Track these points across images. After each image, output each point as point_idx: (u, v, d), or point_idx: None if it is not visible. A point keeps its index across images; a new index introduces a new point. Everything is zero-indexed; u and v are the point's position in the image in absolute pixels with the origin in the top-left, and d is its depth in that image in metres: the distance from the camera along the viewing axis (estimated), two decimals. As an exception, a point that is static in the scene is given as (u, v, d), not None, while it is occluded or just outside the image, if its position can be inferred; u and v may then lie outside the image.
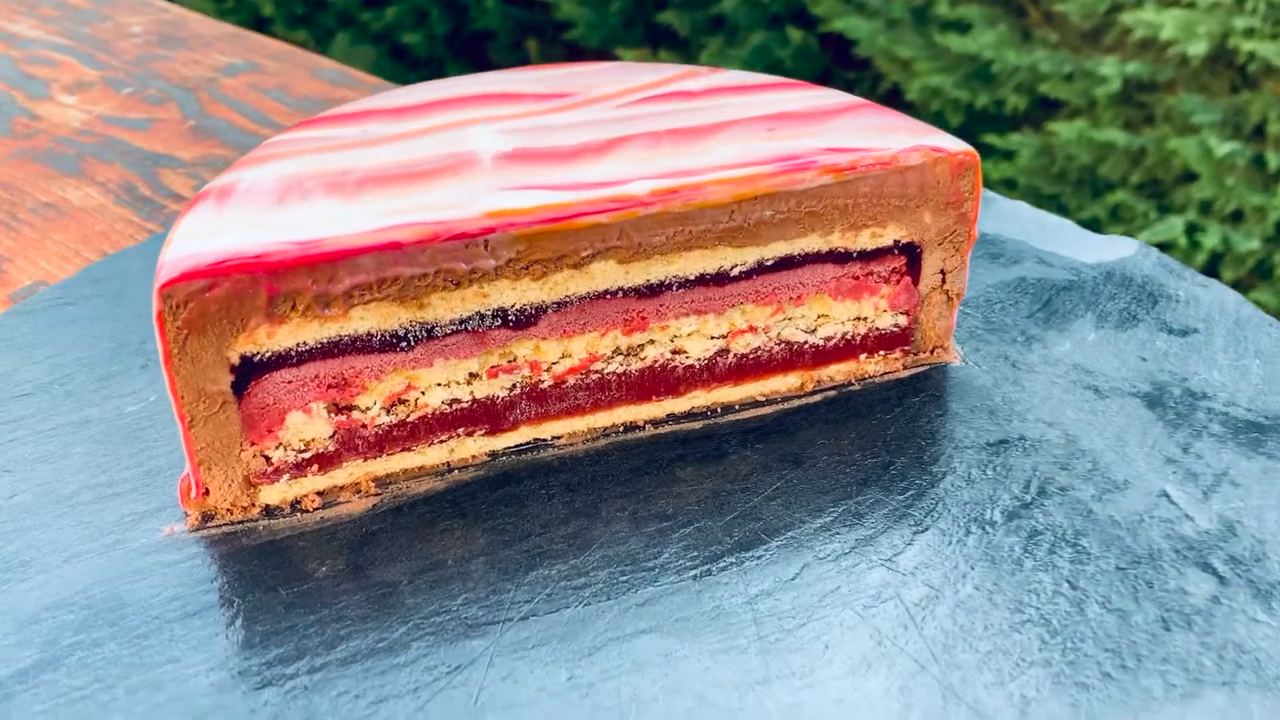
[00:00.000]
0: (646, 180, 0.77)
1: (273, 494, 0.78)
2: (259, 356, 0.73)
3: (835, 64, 2.90)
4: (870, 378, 0.90)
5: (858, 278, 0.86)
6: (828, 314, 0.87)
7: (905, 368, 0.91)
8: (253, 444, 0.75)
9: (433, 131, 0.83)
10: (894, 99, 2.70)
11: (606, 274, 0.78)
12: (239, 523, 0.77)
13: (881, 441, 0.84)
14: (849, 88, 2.82)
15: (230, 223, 0.73)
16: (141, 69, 1.55)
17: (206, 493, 0.76)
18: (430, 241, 0.72)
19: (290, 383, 0.74)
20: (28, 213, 1.20)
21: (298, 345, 0.73)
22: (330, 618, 0.70)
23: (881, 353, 0.90)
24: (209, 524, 0.77)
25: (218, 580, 0.73)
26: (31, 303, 1.00)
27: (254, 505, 0.77)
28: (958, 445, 0.83)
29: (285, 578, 0.73)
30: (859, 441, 0.84)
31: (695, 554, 0.74)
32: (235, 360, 0.72)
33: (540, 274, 0.76)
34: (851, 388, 0.89)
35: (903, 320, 0.89)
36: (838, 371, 0.89)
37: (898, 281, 0.87)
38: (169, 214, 1.19)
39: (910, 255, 0.86)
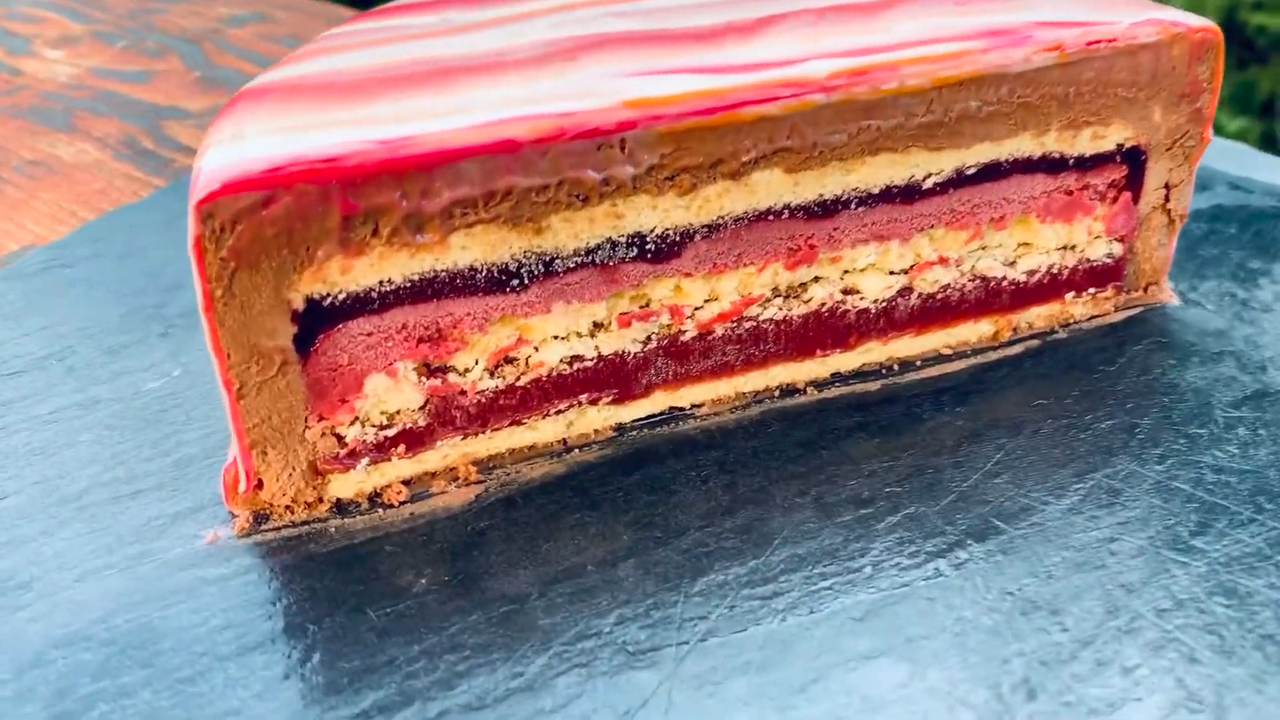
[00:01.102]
0: (822, 60, 0.59)
1: (346, 484, 0.59)
2: (330, 299, 0.54)
3: None
4: (1076, 323, 0.72)
5: (1071, 192, 0.67)
6: (1031, 241, 0.68)
7: (1115, 309, 0.73)
8: (321, 418, 0.57)
9: (531, 17, 0.65)
10: None
11: (770, 187, 0.60)
12: (303, 523, 0.58)
13: (1114, 399, 0.65)
14: None
15: (288, 121, 0.54)
16: (135, 22, 1.37)
17: (260, 485, 0.58)
18: (554, 140, 0.54)
19: (371, 335, 0.56)
20: (11, 172, 1.01)
21: (381, 284, 0.55)
22: (441, 647, 0.51)
23: (1091, 291, 0.72)
24: (263, 526, 0.58)
25: (282, 600, 0.54)
26: (19, 267, 0.81)
27: (322, 500, 0.59)
28: (1210, 401, 0.65)
29: (373, 595, 0.54)
30: (1084, 400, 0.65)
31: (914, 548, 0.56)
32: (299, 304, 0.54)
33: (688, 186, 0.58)
34: (1056, 336, 0.71)
35: (1117, 249, 0.71)
36: (1039, 316, 0.71)
37: (1115, 199, 0.69)
38: (179, 168, 1.01)
39: (1133, 164, 0.68)
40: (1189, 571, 0.54)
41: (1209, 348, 0.69)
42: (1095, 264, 0.71)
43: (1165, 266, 0.73)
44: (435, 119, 0.54)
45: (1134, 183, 0.69)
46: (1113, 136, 0.66)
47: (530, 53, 0.60)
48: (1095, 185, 0.68)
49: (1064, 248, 0.70)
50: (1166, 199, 0.70)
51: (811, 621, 0.52)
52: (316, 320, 0.55)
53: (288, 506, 0.59)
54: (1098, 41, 0.63)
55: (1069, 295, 0.71)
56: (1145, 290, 0.74)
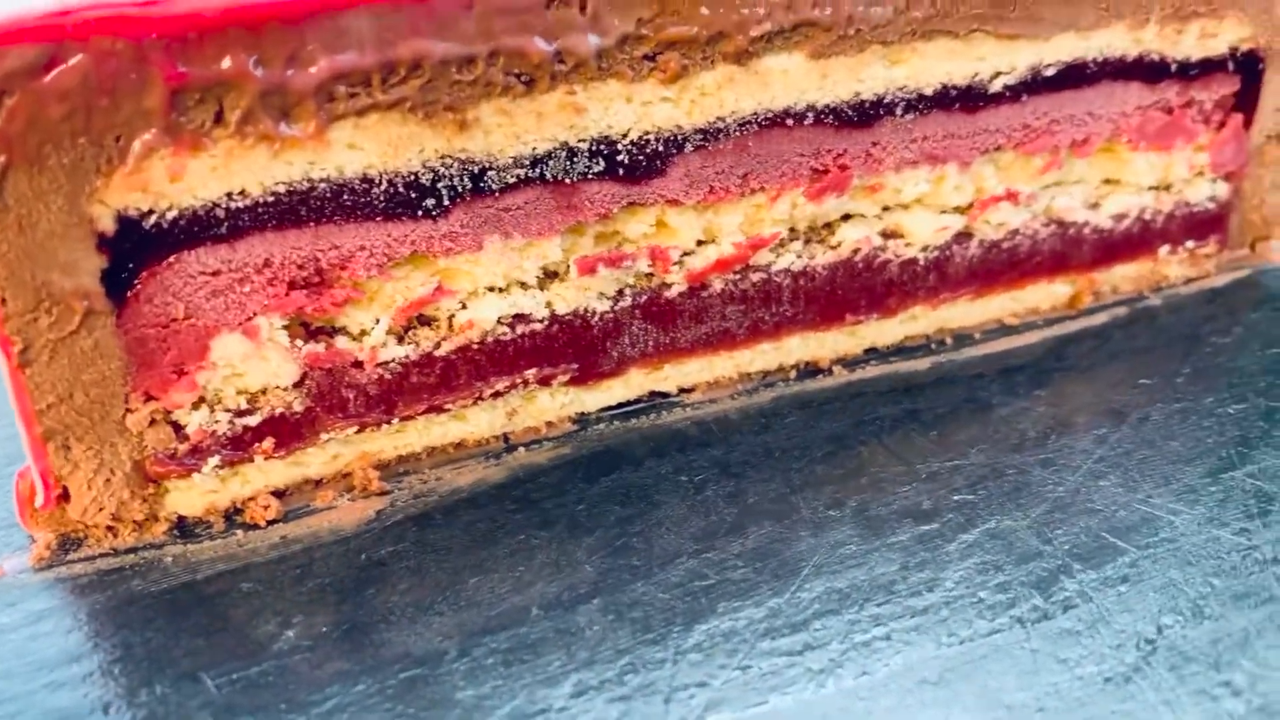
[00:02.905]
0: (862, -98, 0.43)
1: (191, 497, 0.42)
2: (156, 219, 0.37)
3: None
4: (1171, 286, 0.56)
5: (1171, 110, 0.52)
6: (1119, 176, 0.52)
7: (1216, 270, 0.57)
8: (149, 398, 0.40)
9: None
10: None
11: (790, 78, 0.43)
12: (129, 551, 0.41)
13: (1238, 378, 0.49)
14: None
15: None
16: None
17: (65, 496, 0.40)
18: (484, -12, 0.37)
19: (217, 275, 0.39)
20: None
21: (229, 198, 0.38)
22: (313, 734, 0.34)
23: (1189, 245, 0.56)
24: (72, 555, 0.41)
25: (82, 662, 0.36)
26: None
27: (157, 518, 0.41)
28: (1367, 378, 0.49)
29: (216, 654, 0.37)
30: (1200, 380, 0.49)
31: (1002, 578, 0.39)
32: (108, 225, 0.37)
33: (676, 71, 0.41)
34: (1147, 303, 0.55)
35: (1222, 190, 0.55)
36: (1125, 277, 0.55)
37: (1222, 123, 0.53)
38: None
39: (1248, 74, 0.52)
40: (1404, 607, 0.37)
41: (1349, 315, 0.54)
42: (1195, 210, 0.55)
43: (1278, 217, 0.57)
44: (308, -47, 0.37)
45: (1247, 101, 0.53)
46: (1226, 35, 0.51)
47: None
48: (1201, 102, 0.52)
49: (1159, 186, 0.54)
50: (1286, 126, 0.55)
51: (865, 687, 0.35)
52: (136, 250, 0.37)
53: (108, 527, 0.41)
54: (1215, -100, 0.47)
55: (1163, 250, 0.55)
56: (1253, 248, 0.58)
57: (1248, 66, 0.52)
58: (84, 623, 0.38)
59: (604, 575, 0.39)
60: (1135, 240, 0.54)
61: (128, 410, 0.39)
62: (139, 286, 0.38)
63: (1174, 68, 0.50)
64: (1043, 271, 0.53)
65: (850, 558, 0.40)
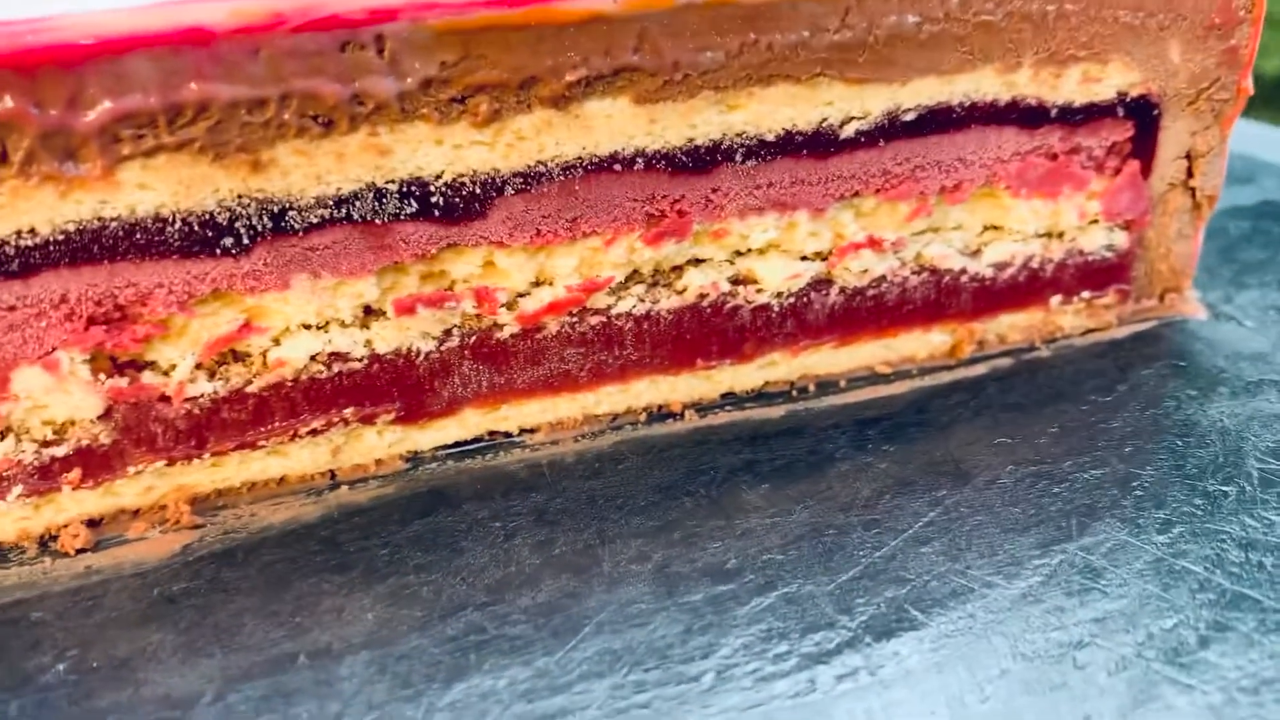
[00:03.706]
0: (689, -55, 0.42)
1: (2, 523, 0.42)
2: (-59, 255, 0.38)
3: None
4: (1066, 337, 0.54)
5: (1055, 156, 0.49)
6: (1000, 223, 0.50)
7: (1120, 322, 0.55)
8: (-52, 428, 0.40)
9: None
10: None
11: (614, 123, 0.42)
12: (-66, 576, 0.42)
13: (1106, 441, 0.47)
14: None
15: (-111, -2, 0.38)
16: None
17: None
18: (268, 31, 0.37)
19: (13, 310, 0.39)
20: None
21: (18, 235, 0.38)
22: (41, 776, 0.34)
23: (1085, 295, 0.53)
24: (-123, 579, 0.42)
25: None
26: None
27: (-36, 544, 0.42)
28: (1242, 448, 0.46)
29: (-15, 685, 0.37)
30: (1064, 441, 0.47)
31: (784, 648, 0.38)
32: (-109, 261, 0.37)
33: (488, 115, 0.41)
34: (1036, 354, 0.53)
35: (1121, 239, 0.53)
36: (1013, 327, 0.53)
37: (1117, 170, 0.51)
38: None
39: (1142, 122, 0.50)
40: (1194, 701, 0.35)
41: (1243, 375, 0.51)
42: (1091, 259, 0.52)
43: (1189, 268, 0.55)
44: (95, -4, 0.37)
45: (1143, 148, 0.51)
46: (1112, 80, 0.48)
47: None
48: (1089, 148, 0.50)
49: (1048, 234, 0.51)
50: (1189, 173, 0.52)
51: (606, 759, 0.34)
52: (-75, 284, 0.38)
53: (-82, 550, 0.42)
54: (1090, -59, 0.45)
55: (1055, 300, 0.53)
56: (1162, 299, 0.55)
57: (1141, 112, 0.50)
58: (-124, 646, 0.39)
59: (382, 625, 0.39)
60: (1021, 289, 0.52)
61: (-73, 439, 0.40)
62: (-70, 320, 0.39)
63: (1054, 113, 0.48)
64: (916, 320, 0.51)
65: (636, 617, 0.39)
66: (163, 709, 0.36)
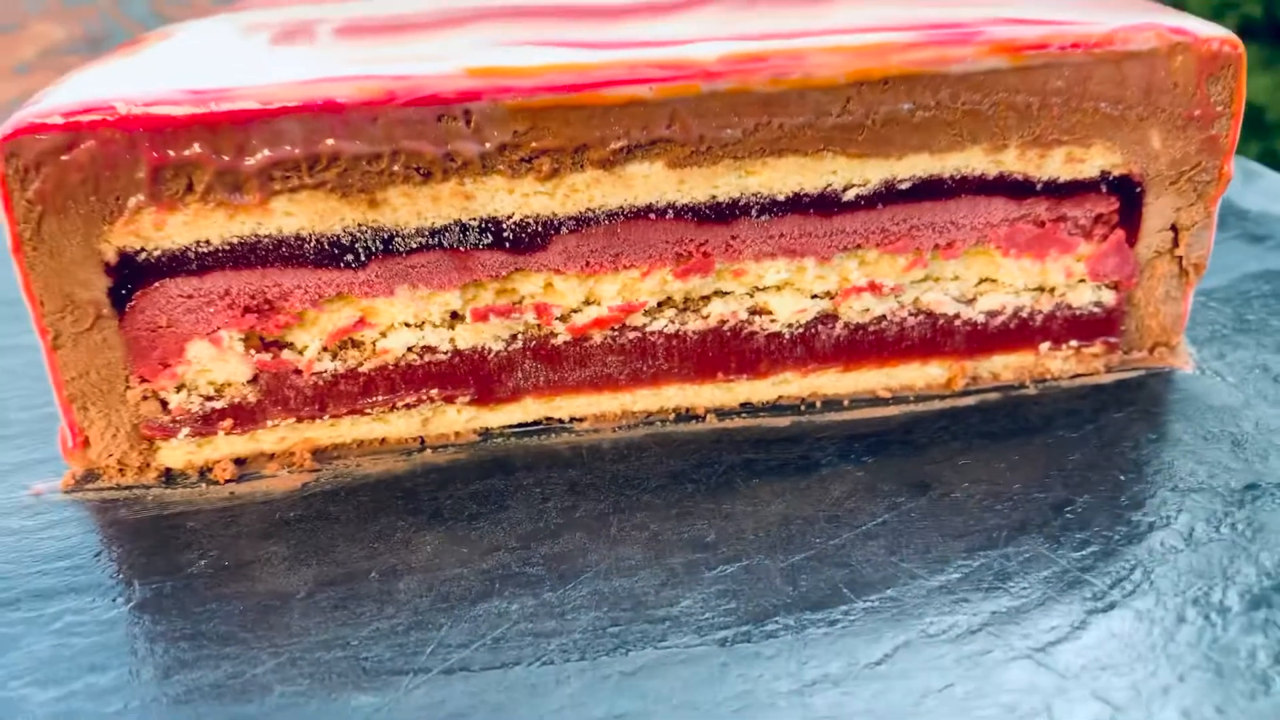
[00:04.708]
0: (718, 42, 0.52)
1: (175, 454, 0.56)
2: (145, 255, 0.52)
3: None
4: (1054, 380, 0.62)
5: (1043, 224, 0.58)
6: (994, 276, 0.59)
7: (1108, 369, 0.62)
8: (142, 380, 0.55)
9: (447, -14, 0.61)
10: None
11: (651, 182, 0.53)
12: (127, 488, 0.56)
13: (1059, 471, 0.55)
14: None
15: (121, 72, 0.52)
16: None
17: (87, 443, 0.56)
18: (383, 104, 0.50)
19: (190, 298, 0.53)
20: None
21: (198, 244, 0.52)
22: (182, 633, 0.48)
23: (1074, 343, 0.61)
24: (89, 485, 0.56)
25: (65, 561, 0.52)
26: None
27: (149, 466, 0.56)
28: (1179, 487, 0.54)
29: (150, 568, 0.51)
30: (1022, 468, 0.55)
31: (733, 606, 0.48)
32: (111, 257, 0.52)
33: (549, 172, 0.52)
34: (1024, 391, 0.61)
35: (1109, 297, 0.60)
36: (1005, 367, 0.61)
37: (1104, 236, 0.58)
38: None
39: (1126, 197, 0.58)
40: (1038, 679, 0.44)
41: (1207, 426, 0.58)
42: (1080, 313, 0.60)
43: (1178, 326, 0.62)
44: (258, 74, 0.50)
45: (1129, 220, 0.58)
46: (1095, 161, 0.56)
47: (407, 20, 0.56)
48: (1075, 218, 0.58)
49: (1038, 289, 0.59)
50: (1175, 242, 0.59)
51: (576, 670, 0.45)
52: (132, 276, 0.52)
53: (117, 468, 0.56)
54: (1072, 46, 0.53)
55: (1044, 346, 0.61)
56: (1152, 351, 0.62)
57: (1124, 189, 0.57)
58: (78, 533, 0.54)
59: (436, 556, 0.51)
60: (1013, 335, 0.60)
61: (127, 387, 0.54)
62: (134, 301, 0.53)
63: (1040, 187, 0.56)
64: (913, 354, 0.60)
65: (625, 570, 0.50)
66: (268, 599, 0.49)
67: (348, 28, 0.56)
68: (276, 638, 0.47)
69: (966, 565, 0.50)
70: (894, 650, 0.46)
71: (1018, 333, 0.60)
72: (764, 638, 0.46)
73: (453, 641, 0.47)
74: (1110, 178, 0.57)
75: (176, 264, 0.52)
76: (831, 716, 0.43)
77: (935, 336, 0.59)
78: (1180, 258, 0.59)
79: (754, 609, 0.48)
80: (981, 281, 0.59)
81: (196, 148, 0.50)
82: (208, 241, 0.52)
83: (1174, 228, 0.59)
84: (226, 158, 0.50)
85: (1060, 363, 0.61)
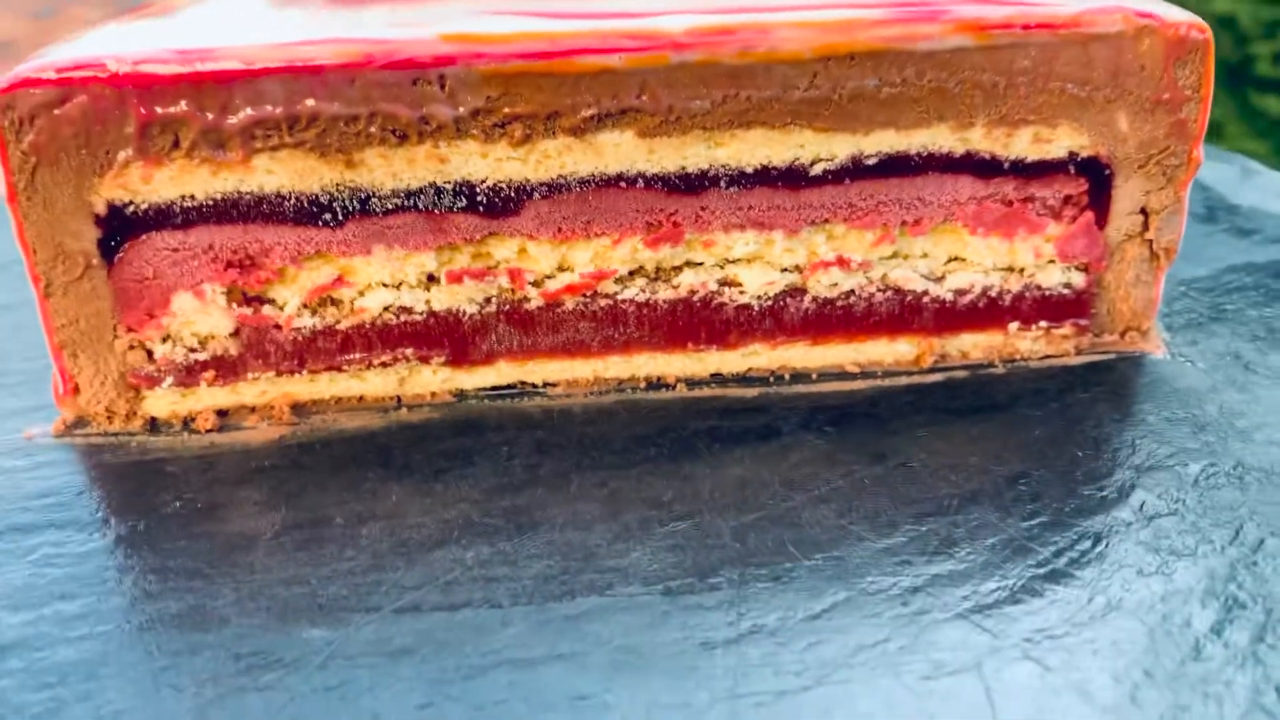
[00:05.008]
0: (688, 14, 0.53)
1: (159, 403, 0.59)
2: (133, 208, 0.54)
3: None
4: (1022, 360, 0.62)
5: (1011, 203, 0.58)
6: (962, 254, 0.60)
7: (1078, 351, 0.63)
8: (129, 330, 0.57)
9: (441, -38, 0.63)
10: None
11: (621, 150, 0.55)
12: (114, 435, 0.58)
13: (1017, 446, 0.56)
14: None
15: (118, 34, 0.55)
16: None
17: (77, 390, 0.58)
18: (361, 67, 0.52)
19: (176, 251, 0.55)
20: None
21: (183, 199, 0.54)
22: (150, 567, 0.50)
23: (1043, 324, 0.62)
24: (78, 431, 0.59)
25: (46, 499, 0.54)
26: None
27: (135, 414, 0.59)
28: (1137, 465, 0.54)
29: (127, 508, 0.53)
30: (980, 442, 0.56)
31: (679, 559, 0.49)
32: (101, 209, 0.54)
33: (521, 137, 0.54)
34: (991, 370, 0.62)
35: (1079, 279, 0.61)
36: (974, 345, 0.62)
37: (1073, 218, 0.59)
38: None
39: (1095, 179, 0.58)
40: (981, 634, 0.45)
41: (1171, 410, 0.58)
42: (1049, 293, 0.61)
43: (1149, 310, 0.62)
44: (243, 35, 0.52)
45: (1098, 201, 0.59)
46: (1062, 142, 0.57)
47: (400, -12, 0.58)
48: (1043, 198, 0.58)
49: (1006, 269, 0.60)
50: (1145, 226, 0.60)
51: (522, 614, 0.47)
52: (121, 227, 0.54)
53: (105, 415, 0.59)
54: (1038, 25, 0.54)
55: (1013, 326, 0.61)
56: (1123, 335, 0.63)
57: (1092, 170, 0.58)
58: (62, 475, 0.56)
59: (400, 505, 0.53)
60: (981, 313, 0.61)
61: (115, 337, 0.57)
62: (123, 252, 0.55)
63: (1007, 166, 0.57)
64: (882, 330, 0.61)
65: (580, 525, 0.51)
66: (236, 539, 0.51)
67: (332, -2, 0.58)
68: (239, 574, 0.49)
69: (914, 530, 0.51)
70: (832, 606, 0.47)
71: (986, 312, 0.61)
72: (707, 590, 0.48)
73: (407, 584, 0.48)
74: (1078, 159, 0.57)
75: (163, 217, 0.54)
76: (765, 664, 0.44)
77: (904, 313, 0.60)
78: (1150, 241, 0.60)
79: (700, 563, 0.49)
80: (950, 260, 0.60)
81: (183, 105, 0.52)
82: (192, 196, 0.54)
83: (1144, 211, 0.59)
84: (211, 115, 0.52)
85: (1030, 343, 0.62)
